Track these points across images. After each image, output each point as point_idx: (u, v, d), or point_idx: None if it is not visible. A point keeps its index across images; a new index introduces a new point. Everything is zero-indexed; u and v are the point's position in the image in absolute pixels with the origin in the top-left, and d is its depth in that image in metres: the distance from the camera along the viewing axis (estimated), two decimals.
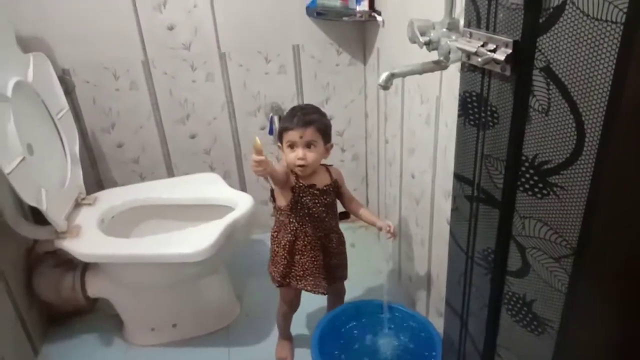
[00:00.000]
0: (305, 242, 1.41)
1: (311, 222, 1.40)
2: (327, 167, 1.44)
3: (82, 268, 1.63)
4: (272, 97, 1.98)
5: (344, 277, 1.57)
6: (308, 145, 1.33)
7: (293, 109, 1.38)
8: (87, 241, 1.50)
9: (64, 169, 1.62)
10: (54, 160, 1.58)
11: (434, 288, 1.58)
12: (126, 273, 1.56)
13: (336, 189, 1.44)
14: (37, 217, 1.50)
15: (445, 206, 1.39)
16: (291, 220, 1.40)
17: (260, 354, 1.65)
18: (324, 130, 1.36)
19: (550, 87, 0.59)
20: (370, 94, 2.00)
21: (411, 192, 1.65)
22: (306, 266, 1.43)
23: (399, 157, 1.72)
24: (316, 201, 1.38)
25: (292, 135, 1.32)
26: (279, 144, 1.39)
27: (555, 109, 0.60)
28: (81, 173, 1.69)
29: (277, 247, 1.45)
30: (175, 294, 1.66)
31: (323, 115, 1.38)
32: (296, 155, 1.32)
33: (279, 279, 1.45)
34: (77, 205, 1.64)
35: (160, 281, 1.60)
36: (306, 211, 1.38)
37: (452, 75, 1.19)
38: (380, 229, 1.43)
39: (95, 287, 1.64)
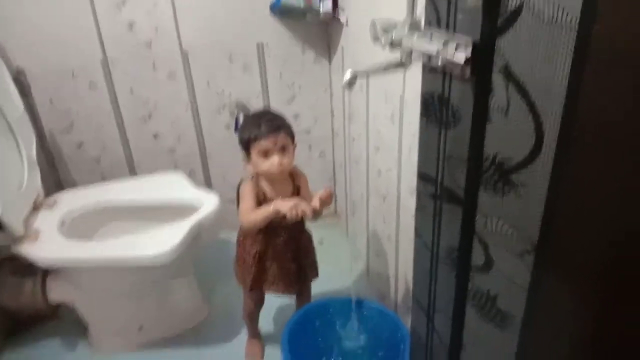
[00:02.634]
0: (276, 251, 1.42)
1: (279, 234, 1.39)
2: (290, 173, 1.41)
3: (42, 273, 1.58)
4: (237, 96, 1.96)
5: (316, 275, 1.55)
6: (282, 149, 1.30)
7: (253, 117, 1.35)
8: (47, 245, 1.45)
9: (21, 172, 1.56)
10: (9, 163, 1.53)
11: (401, 284, 1.60)
12: (88, 277, 1.51)
13: (298, 194, 1.42)
14: None
15: (410, 203, 1.40)
16: (259, 232, 1.39)
17: (230, 354, 1.63)
18: (292, 132, 1.35)
19: (509, 88, 0.61)
20: (336, 92, 2.00)
21: (378, 189, 1.66)
22: (276, 272, 1.44)
23: (365, 155, 1.73)
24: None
25: (265, 143, 1.28)
26: (244, 158, 1.35)
27: (514, 109, 0.61)
28: (39, 175, 1.64)
29: (245, 254, 1.44)
30: (141, 297, 1.62)
31: (284, 117, 1.37)
32: (272, 163, 1.29)
33: (250, 284, 1.45)
34: (36, 208, 1.59)
35: (124, 285, 1.56)
36: (275, 225, 1.37)
37: (415, 75, 1.20)
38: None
39: (57, 293, 1.59)
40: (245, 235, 1.43)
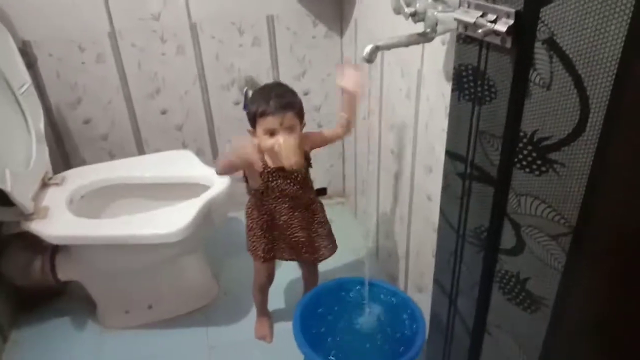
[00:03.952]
0: (282, 221, 1.39)
1: (285, 202, 1.37)
2: None
3: (51, 250, 1.56)
4: (247, 71, 1.92)
5: (333, 249, 1.51)
6: (288, 129, 1.26)
7: (263, 90, 1.31)
8: (56, 222, 1.43)
9: (29, 147, 1.53)
10: (17, 138, 1.50)
11: (412, 264, 1.58)
12: (98, 255, 1.50)
13: (307, 160, 1.38)
14: (2, 198, 1.41)
15: (425, 182, 1.38)
16: (264, 202, 1.37)
17: (239, 333, 1.63)
18: (301, 110, 1.31)
19: (553, 60, 0.57)
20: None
21: (390, 168, 1.63)
22: (286, 241, 1.43)
23: (377, 132, 1.69)
24: (288, 181, 1.35)
25: (271, 122, 1.24)
26: (251, 129, 1.32)
27: (557, 83, 0.58)
28: (47, 151, 1.61)
29: (254, 224, 1.42)
30: (150, 275, 1.61)
31: (296, 94, 1.32)
32: (276, 143, 1.25)
33: (262, 255, 1.43)
34: (44, 185, 1.56)
35: (134, 263, 1.55)
36: (278, 193, 1.35)
37: (435, 48, 1.16)
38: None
39: (66, 270, 1.58)
40: (252, 206, 1.42)
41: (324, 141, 1.40)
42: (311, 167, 1.41)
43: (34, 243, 1.53)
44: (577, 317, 0.69)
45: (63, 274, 1.58)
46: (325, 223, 1.50)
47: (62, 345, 1.59)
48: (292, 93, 1.31)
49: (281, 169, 1.33)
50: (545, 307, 0.70)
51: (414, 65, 1.32)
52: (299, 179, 1.36)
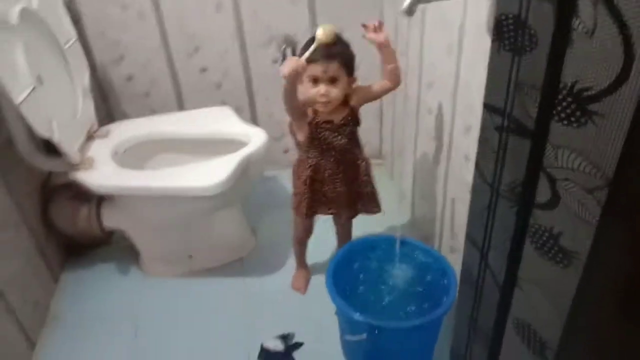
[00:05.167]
0: (325, 176, 1.40)
1: (331, 156, 1.37)
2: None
3: (97, 200, 1.64)
4: (285, 29, 1.91)
5: (376, 209, 1.53)
6: (332, 80, 1.26)
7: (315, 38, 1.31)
8: (101, 173, 1.49)
9: (75, 100, 1.59)
10: (64, 91, 1.55)
11: (446, 225, 1.58)
12: (141, 205, 1.56)
13: (355, 116, 1.38)
14: (51, 150, 1.48)
15: (463, 142, 1.36)
16: (309, 155, 1.38)
17: (275, 284, 1.68)
18: (349, 63, 1.29)
19: (598, 6, 0.55)
20: (387, 24, 1.90)
21: (427, 128, 1.61)
22: (328, 195, 1.43)
23: (416, 91, 1.67)
24: (335, 135, 1.35)
25: (315, 69, 1.24)
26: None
27: (601, 30, 0.56)
28: (92, 105, 1.67)
29: (298, 181, 1.44)
30: (191, 227, 1.67)
31: (347, 45, 1.31)
32: (318, 91, 1.26)
33: (305, 212, 1.44)
34: (90, 137, 1.63)
35: (174, 214, 1.61)
36: (324, 146, 1.35)
37: (478, 1, 1.13)
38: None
39: (111, 219, 1.65)
40: (298, 164, 1.43)
41: (372, 95, 1.38)
42: (359, 125, 1.40)
43: (81, 193, 1.61)
44: (609, 272, 0.68)
45: (108, 223, 1.66)
46: (369, 184, 1.49)
47: (107, 289, 1.69)
48: (343, 43, 1.30)
49: (328, 122, 1.33)
50: (578, 261, 0.69)
51: (455, 20, 1.29)
52: (346, 132, 1.36)
